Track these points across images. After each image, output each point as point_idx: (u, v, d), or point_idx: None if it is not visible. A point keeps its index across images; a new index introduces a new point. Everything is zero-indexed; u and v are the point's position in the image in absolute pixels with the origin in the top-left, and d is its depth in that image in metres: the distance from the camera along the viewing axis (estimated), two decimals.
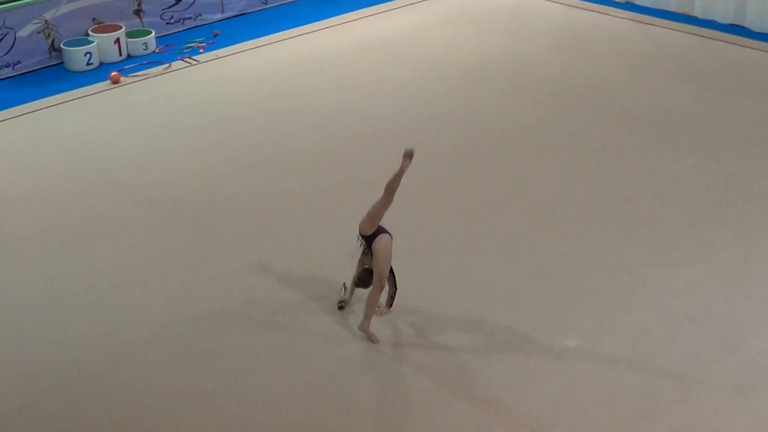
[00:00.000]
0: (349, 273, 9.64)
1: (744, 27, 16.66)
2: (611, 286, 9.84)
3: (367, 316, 9.12)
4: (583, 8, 17.95)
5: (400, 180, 9.06)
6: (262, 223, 11.18)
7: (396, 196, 9.31)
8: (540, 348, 8.99)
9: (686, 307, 9.49)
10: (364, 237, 9.14)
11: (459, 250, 10.51)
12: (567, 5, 18.17)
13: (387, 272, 9.13)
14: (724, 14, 16.92)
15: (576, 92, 14.33)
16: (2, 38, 15.15)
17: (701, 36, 16.47)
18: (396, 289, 9.33)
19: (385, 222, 9.17)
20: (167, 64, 15.76)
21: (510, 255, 10.41)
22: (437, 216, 11.14)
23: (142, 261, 10.55)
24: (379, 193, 9.43)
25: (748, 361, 8.77)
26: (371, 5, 18.29)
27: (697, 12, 17.28)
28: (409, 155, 9.09)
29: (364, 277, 9.22)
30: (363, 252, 9.24)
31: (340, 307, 9.54)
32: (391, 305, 9.40)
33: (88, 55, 15.56)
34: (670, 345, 8.99)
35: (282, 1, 18.55)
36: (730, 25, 16.82)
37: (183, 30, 17.25)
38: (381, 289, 9.09)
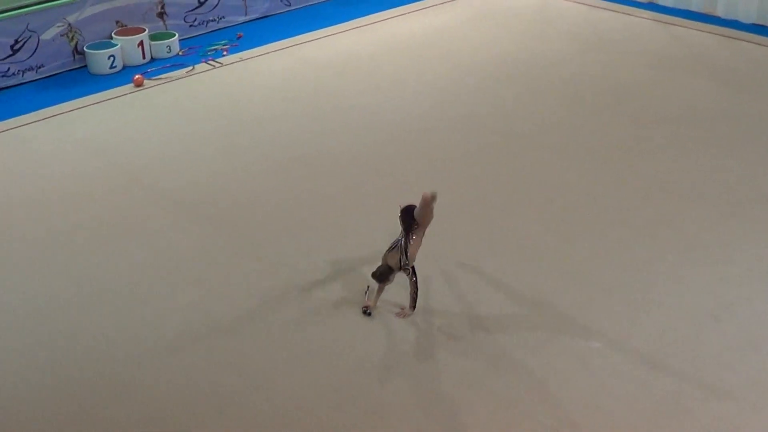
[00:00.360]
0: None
1: (767, 27, 16.62)
2: (634, 286, 9.82)
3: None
4: (605, 8, 17.96)
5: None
6: (286, 224, 11.20)
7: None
8: (564, 348, 8.98)
9: (709, 306, 9.47)
10: (404, 215, 9.39)
11: (481, 250, 10.50)
12: (589, 5, 18.19)
13: (428, 222, 9.36)
14: (746, 14, 16.90)
15: (599, 92, 14.34)
16: (26, 41, 15.25)
17: (724, 36, 16.45)
18: (417, 289, 9.35)
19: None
20: (191, 67, 15.84)
21: (533, 254, 10.40)
22: (460, 216, 11.13)
23: (167, 262, 10.59)
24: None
25: None
26: (394, 6, 18.37)
27: (720, 12, 17.28)
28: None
29: (385, 272, 9.30)
30: (390, 248, 9.29)
31: (366, 313, 9.54)
32: (414, 307, 9.41)
33: (112, 58, 15.65)
34: (694, 344, 8.97)
35: (306, 2, 18.65)
36: (753, 24, 16.81)
37: (206, 32, 17.34)
38: (423, 228, 9.37)
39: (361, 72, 15.45)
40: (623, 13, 17.73)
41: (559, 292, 9.76)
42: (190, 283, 10.21)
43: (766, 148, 12.45)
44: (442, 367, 8.85)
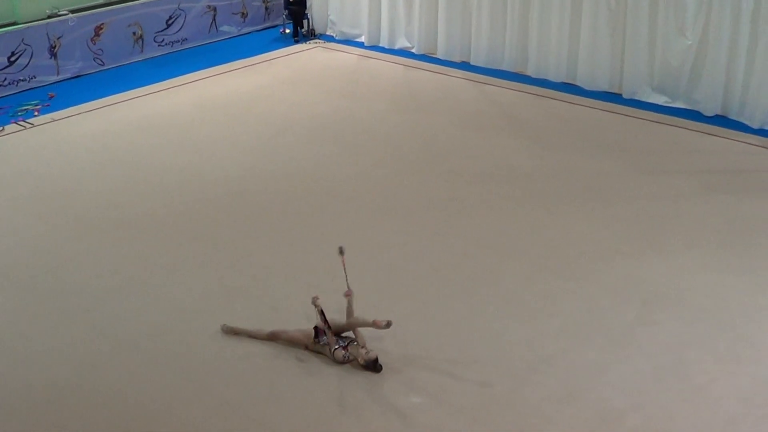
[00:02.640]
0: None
1: (575, 85, 17.17)
2: (453, 342, 9.88)
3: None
4: (420, 68, 18.28)
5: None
6: (103, 288, 10.92)
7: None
8: (384, 406, 8.96)
9: (528, 359, 9.60)
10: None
11: (299, 311, 10.40)
12: (405, 65, 18.48)
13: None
14: (556, 73, 17.45)
15: (415, 151, 14.50)
16: None
17: (535, 94, 16.91)
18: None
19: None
20: (0, 128, 15.39)
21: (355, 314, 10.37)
22: (279, 277, 11.06)
23: None
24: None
25: (588, 409, 8.89)
26: (210, 67, 18.31)
27: (531, 71, 17.79)
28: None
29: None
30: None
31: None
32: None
33: None
34: (514, 397, 9.06)
35: (119, 62, 18.45)
36: (563, 83, 17.32)
37: (17, 92, 16.98)
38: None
39: (177, 133, 15.28)
40: (437, 72, 18.06)
41: (379, 349, 9.70)
42: (4, 352, 9.84)
43: (579, 203, 12.77)
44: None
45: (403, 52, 19.22)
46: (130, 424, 8.78)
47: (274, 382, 9.31)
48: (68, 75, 17.71)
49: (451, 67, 18.34)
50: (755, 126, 15.29)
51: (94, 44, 18.02)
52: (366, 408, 8.95)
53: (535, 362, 9.56)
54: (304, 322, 10.04)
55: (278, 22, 21.01)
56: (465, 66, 18.37)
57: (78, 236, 12.08)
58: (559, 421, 8.77)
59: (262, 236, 11.99)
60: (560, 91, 17.03)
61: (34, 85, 17.24)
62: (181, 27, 19.40)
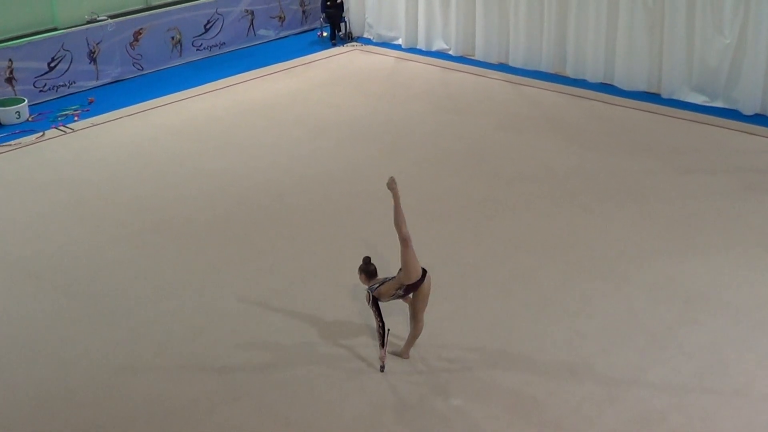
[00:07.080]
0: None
1: (613, 86, 17.11)
2: (492, 344, 9.87)
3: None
4: (458, 70, 18.26)
5: (399, 210, 9.46)
6: (143, 292, 10.99)
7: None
8: (424, 408, 8.96)
9: (566, 360, 9.57)
10: (408, 287, 9.39)
11: (338, 315, 10.43)
12: (443, 67, 18.46)
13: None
14: (594, 74, 17.38)
15: (453, 152, 14.49)
16: None
17: (573, 95, 16.85)
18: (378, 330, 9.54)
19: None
20: (41, 133, 15.55)
21: (393, 316, 10.36)
22: (320, 280, 11.09)
23: (18, 335, 10.27)
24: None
25: (628, 410, 8.86)
26: (249, 70, 18.39)
27: (569, 72, 17.73)
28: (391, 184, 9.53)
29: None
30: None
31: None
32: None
33: None
34: (553, 398, 9.03)
35: (158, 66, 18.55)
36: (601, 84, 17.26)
37: (57, 98, 17.11)
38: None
39: (216, 136, 15.35)
40: (475, 74, 18.04)
41: (418, 351, 9.73)
42: (46, 356, 9.92)
43: (617, 203, 12.72)
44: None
45: (441, 54, 19.21)
46: (170, 427, 8.82)
47: (313, 384, 9.33)
48: (108, 80, 17.83)
49: (489, 68, 18.31)
50: None
51: (133, 49, 18.14)
52: (405, 410, 8.96)
53: (574, 363, 9.53)
54: (344, 325, 10.08)
55: (315, 25, 21.06)
56: (503, 67, 18.34)
57: (117, 240, 12.16)
58: (599, 422, 8.73)
59: (300, 239, 12.02)
60: (598, 91, 16.96)
61: (74, 90, 17.37)
62: (219, 31, 19.49)
